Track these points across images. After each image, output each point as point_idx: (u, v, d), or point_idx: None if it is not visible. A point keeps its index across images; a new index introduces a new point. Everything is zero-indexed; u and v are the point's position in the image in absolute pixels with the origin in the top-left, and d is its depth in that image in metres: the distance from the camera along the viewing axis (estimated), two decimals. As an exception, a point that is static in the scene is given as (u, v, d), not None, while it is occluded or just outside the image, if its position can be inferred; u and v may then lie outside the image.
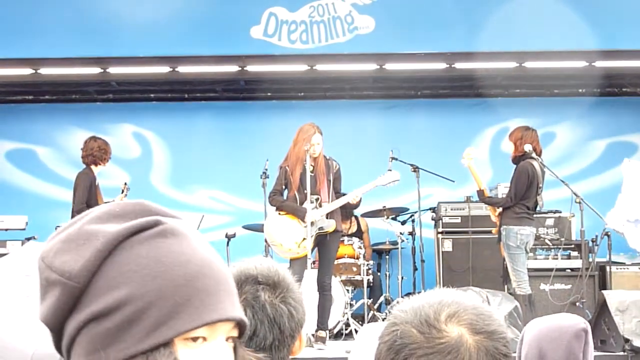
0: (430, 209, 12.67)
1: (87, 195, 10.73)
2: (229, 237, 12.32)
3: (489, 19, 11.83)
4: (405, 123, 14.54)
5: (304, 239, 9.62)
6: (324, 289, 9.82)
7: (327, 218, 9.76)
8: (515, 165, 10.22)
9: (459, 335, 1.89)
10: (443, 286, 10.22)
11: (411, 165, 11.46)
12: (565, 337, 3.73)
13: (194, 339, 1.50)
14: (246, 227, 12.67)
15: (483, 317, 1.94)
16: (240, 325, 1.57)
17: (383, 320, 11.57)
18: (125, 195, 11.21)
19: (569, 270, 11.58)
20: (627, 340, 9.15)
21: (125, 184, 11.41)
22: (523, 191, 9.98)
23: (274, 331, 2.60)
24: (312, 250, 9.80)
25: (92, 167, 10.93)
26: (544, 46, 12.08)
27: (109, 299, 1.48)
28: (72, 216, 10.99)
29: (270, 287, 2.65)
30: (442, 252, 12.30)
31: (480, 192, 10.36)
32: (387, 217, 12.40)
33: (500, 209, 10.24)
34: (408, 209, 12.62)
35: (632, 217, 3.64)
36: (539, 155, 10.17)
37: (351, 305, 11.73)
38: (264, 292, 2.63)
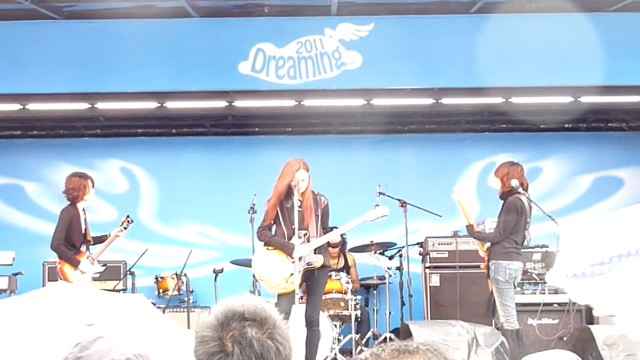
0: (417, 243, 12.68)
1: (65, 232, 10.68)
2: (216, 273, 12.31)
3: (475, 55, 11.90)
4: (392, 158, 14.58)
5: (292, 274, 9.61)
6: (312, 324, 9.79)
7: (315, 253, 9.75)
8: (502, 201, 10.24)
9: None
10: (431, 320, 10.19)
11: (399, 200, 11.48)
12: (559, 374, 3.74)
13: None
14: (234, 262, 12.66)
15: None
16: None
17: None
18: (125, 227, 11.12)
19: (556, 305, 11.60)
20: (614, 375, 9.15)
21: (128, 216, 11.29)
22: (512, 226, 10.00)
23: (261, 368, 2.61)
24: (300, 285, 9.79)
25: (76, 203, 10.87)
26: (530, 82, 12.14)
27: None
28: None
29: (257, 323, 2.66)
30: (429, 286, 12.31)
31: (470, 227, 10.36)
32: (375, 252, 12.42)
33: (489, 244, 10.25)
34: (395, 244, 12.63)
35: (570, 273, 3.72)
36: (526, 190, 10.20)
37: (339, 340, 11.71)
38: (250, 329, 2.64)
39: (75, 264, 10.67)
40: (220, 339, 2.64)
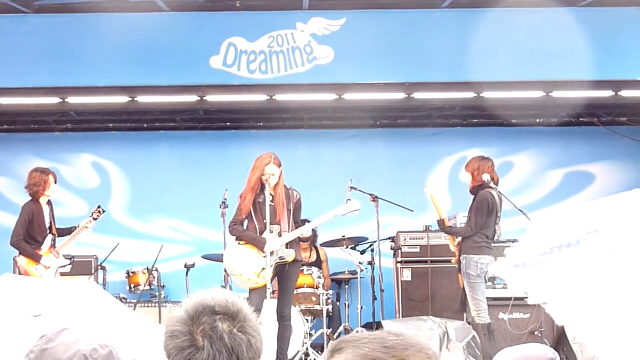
0: (389, 238, 12.67)
1: (25, 227, 10.67)
2: (188, 267, 12.28)
3: (447, 49, 11.92)
4: (364, 152, 14.58)
5: (263, 268, 9.59)
6: (283, 318, 9.78)
7: (286, 248, 9.74)
8: (473, 195, 10.26)
9: None
10: (402, 316, 10.25)
11: (370, 194, 11.47)
12: (534, 368, 3.74)
13: None
14: (205, 257, 12.62)
15: None
16: None
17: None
18: (95, 218, 11.05)
19: (527, 300, 11.60)
20: (585, 369, 9.17)
21: (99, 206, 11.20)
22: (483, 220, 10.02)
23: (232, 361, 2.60)
24: (272, 280, 9.78)
25: (37, 198, 10.83)
26: (501, 76, 12.17)
27: None
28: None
29: (228, 317, 2.65)
30: (401, 281, 12.31)
31: (441, 222, 10.37)
32: (346, 247, 12.40)
33: (460, 238, 10.27)
34: (367, 239, 12.61)
35: (512, 263, 3.85)
36: (497, 184, 10.22)
37: (310, 334, 11.70)
38: (221, 322, 2.63)
39: (36, 258, 10.63)
40: (190, 333, 2.63)
